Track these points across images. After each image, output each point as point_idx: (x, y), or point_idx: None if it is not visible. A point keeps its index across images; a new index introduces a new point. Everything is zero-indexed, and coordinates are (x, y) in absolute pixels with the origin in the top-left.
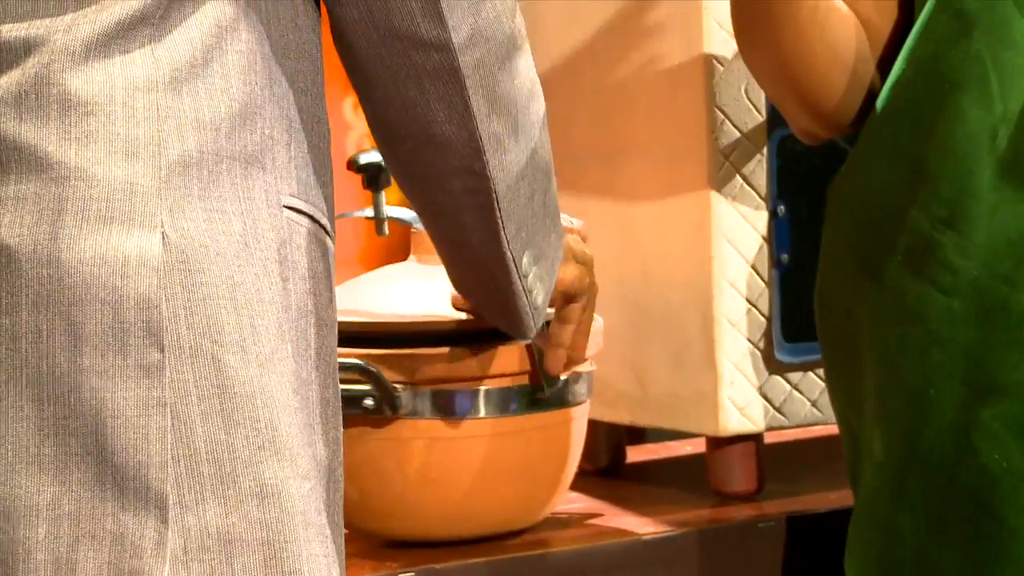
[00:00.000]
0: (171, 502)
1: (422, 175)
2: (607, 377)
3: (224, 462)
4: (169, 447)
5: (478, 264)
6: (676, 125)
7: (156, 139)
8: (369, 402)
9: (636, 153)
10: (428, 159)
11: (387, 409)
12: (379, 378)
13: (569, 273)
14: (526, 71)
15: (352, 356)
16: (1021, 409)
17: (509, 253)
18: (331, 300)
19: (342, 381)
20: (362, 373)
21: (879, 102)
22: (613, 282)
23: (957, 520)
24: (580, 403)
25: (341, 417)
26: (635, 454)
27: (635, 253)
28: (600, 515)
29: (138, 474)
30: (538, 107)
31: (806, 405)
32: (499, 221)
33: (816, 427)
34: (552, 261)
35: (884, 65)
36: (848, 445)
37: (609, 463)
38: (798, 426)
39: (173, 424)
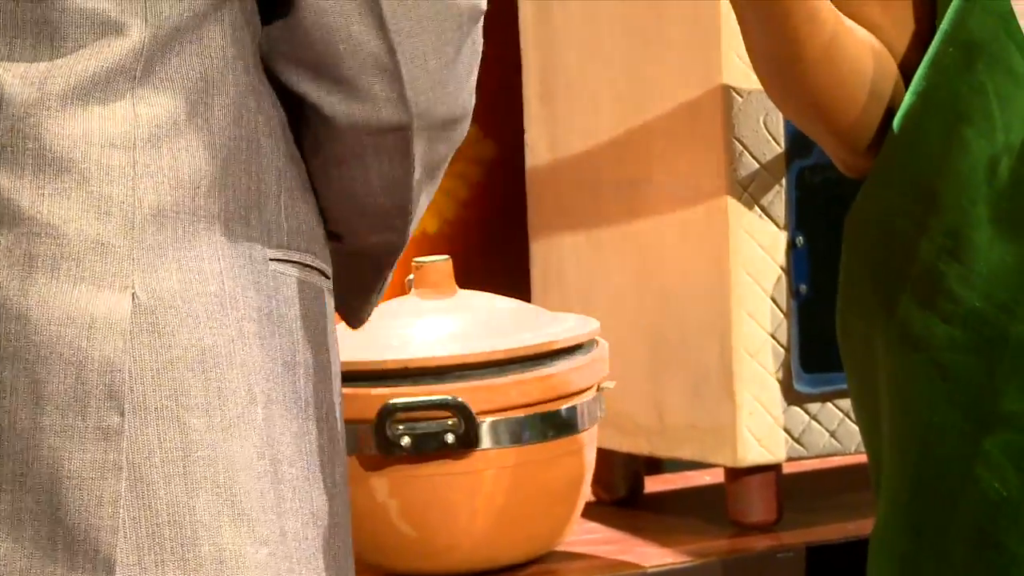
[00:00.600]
0: (119, 565)
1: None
2: (625, 407)
3: (185, 525)
4: (123, 511)
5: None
6: (695, 156)
7: (131, 198)
8: (451, 438)
9: (655, 184)
10: (354, 222)
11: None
12: (468, 411)
13: None
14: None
15: (434, 392)
16: (1021, 439)
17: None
18: (325, 344)
19: (427, 419)
20: (452, 409)
21: (894, 127)
22: (632, 312)
23: (960, 548)
24: (590, 428)
25: (343, 460)
26: (653, 484)
27: (654, 283)
28: (617, 545)
29: (88, 537)
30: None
31: (825, 436)
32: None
33: (835, 457)
34: None
35: (907, 78)
36: (872, 469)
37: (627, 493)
38: (817, 456)
39: (133, 486)
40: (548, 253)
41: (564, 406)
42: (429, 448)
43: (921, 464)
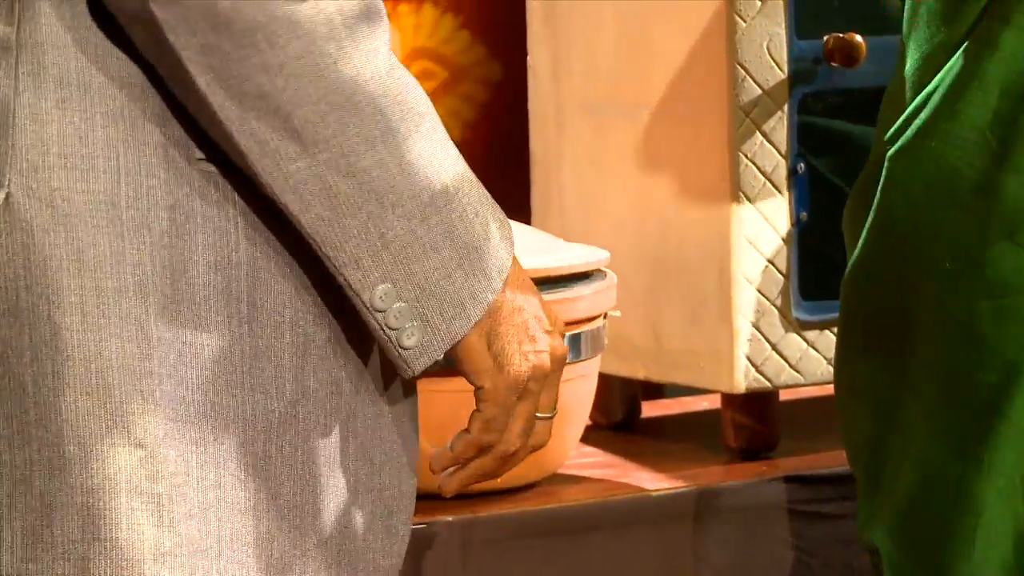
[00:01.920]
0: None
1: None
2: (623, 331)
3: (51, 425)
4: None
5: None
6: (697, 81)
7: (10, 94)
8: None
9: (657, 108)
10: None
11: None
12: None
13: (523, 362)
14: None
15: None
16: None
17: (342, 277)
18: (280, 246)
19: None
20: None
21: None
22: (632, 237)
23: None
24: (593, 358)
25: (318, 366)
26: (650, 409)
27: (654, 208)
28: (614, 469)
29: None
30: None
31: (822, 363)
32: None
33: (832, 384)
34: (462, 304)
35: None
36: (871, 419)
37: (624, 418)
38: (814, 384)
39: (6, 386)
40: (548, 178)
41: (580, 330)
42: (453, 363)
43: (1001, 409)
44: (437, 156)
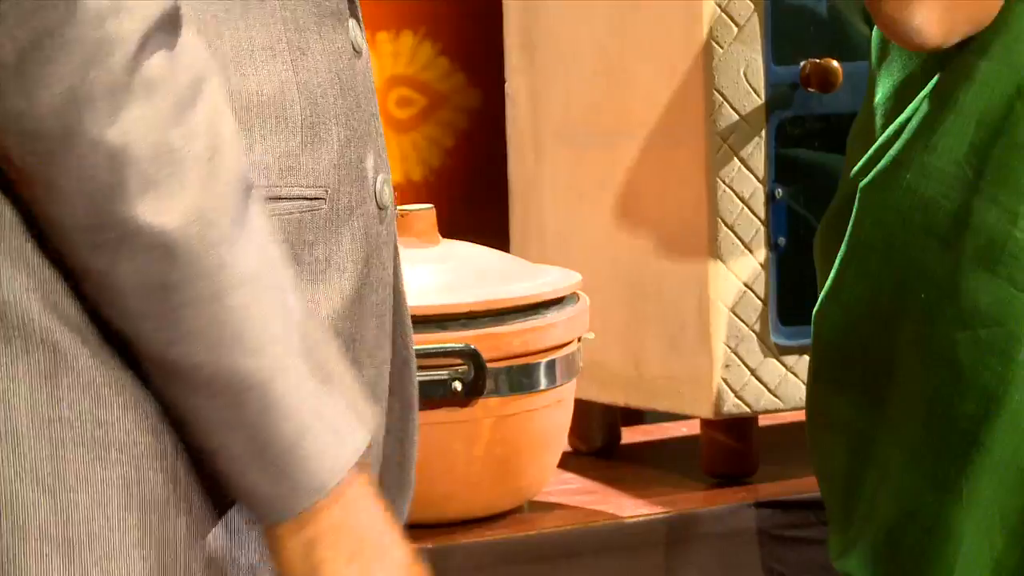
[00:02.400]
0: None
1: None
2: (602, 358)
3: None
4: None
5: None
6: (674, 108)
7: None
8: (458, 386)
9: (635, 135)
10: None
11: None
12: (479, 359)
13: None
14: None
15: (447, 340)
16: None
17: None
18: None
19: (432, 368)
20: (466, 357)
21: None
22: (610, 263)
23: None
24: (569, 382)
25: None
26: (630, 435)
27: (632, 235)
28: (593, 495)
29: None
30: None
31: (801, 388)
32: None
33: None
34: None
35: None
36: (846, 452)
37: (604, 444)
38: (793, 409)
39: None
40: (527, 203)
41: (555, 355)
42: (435, 396)
43: (984, 436)
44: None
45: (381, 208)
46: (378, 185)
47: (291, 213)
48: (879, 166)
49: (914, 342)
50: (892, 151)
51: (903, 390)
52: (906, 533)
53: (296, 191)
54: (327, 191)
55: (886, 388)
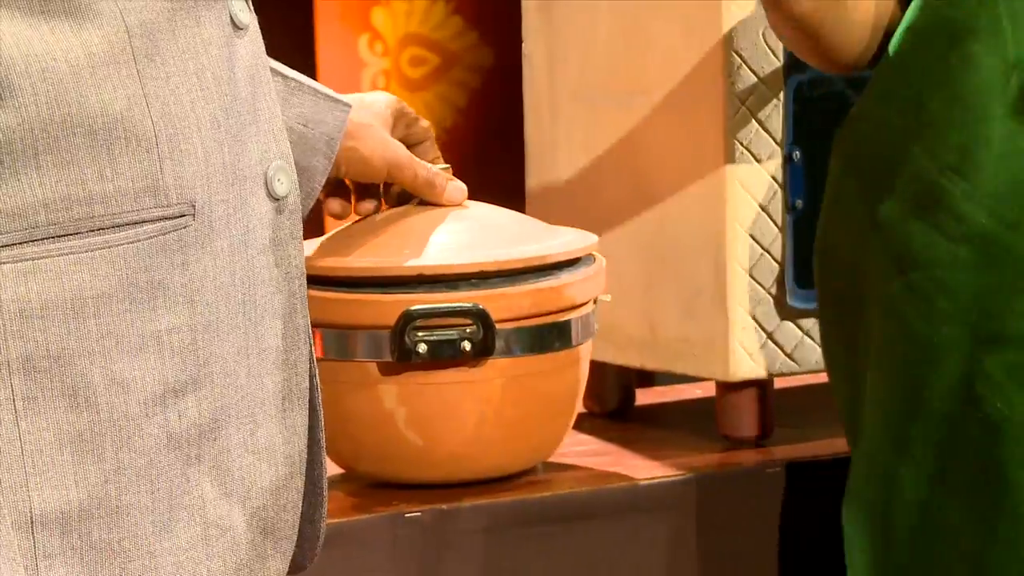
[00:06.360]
0: None
1: None
2: (618, 320)
3: None
4: None
5: None
6: (693, 69)
7: None
8: (467, 346)
9: (652, 96)
10: None
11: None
12: (488, 319)
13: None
14: None
15: (449, 300)
16: None
17: None
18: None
19: (441, 327)
20: (474, 316)
21: (891, 47)
22: (626, 225)
23: (959, 470)
24: (588, 340)
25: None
26: (644, 397)
27: (648, 197)
28: (608, 457)
29: None
30: None
31: (817, 351)
32: None
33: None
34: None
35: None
36: (845, 400)
37: (618, 406)
38: (808, 372)
39: None
40: (543, 165)
41: (569, 317)
42: (444, 355)
43: (919, 387)
44: None
45: (276, 199)
46: (270, 173)
47: (153, 237)
48: (849, 114)
49: (872, 288)
50: (854, 106)
51: (870, 337)
52: (873, 490)
53: (157, 212)
54: (194, 206)
55: (862, 333)
